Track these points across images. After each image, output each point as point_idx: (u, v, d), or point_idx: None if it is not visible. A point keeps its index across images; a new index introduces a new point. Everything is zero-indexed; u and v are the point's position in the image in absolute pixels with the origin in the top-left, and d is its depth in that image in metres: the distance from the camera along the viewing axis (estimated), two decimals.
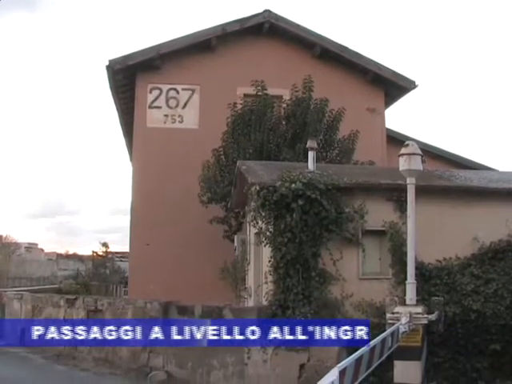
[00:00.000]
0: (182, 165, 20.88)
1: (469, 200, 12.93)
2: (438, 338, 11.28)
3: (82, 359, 14.29)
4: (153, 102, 22.66)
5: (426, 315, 10.28)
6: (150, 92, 22.63)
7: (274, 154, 17.28)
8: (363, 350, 6.92)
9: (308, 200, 11.65)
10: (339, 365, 5.69)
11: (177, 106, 22.68)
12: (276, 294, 11.80)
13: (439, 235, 12.45)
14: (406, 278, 10.81)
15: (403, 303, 10.59)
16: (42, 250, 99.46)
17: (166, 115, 22.68)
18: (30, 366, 14.12)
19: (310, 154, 13.31)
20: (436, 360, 11.45)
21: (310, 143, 13.49)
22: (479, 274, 12.11)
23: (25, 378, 12.64)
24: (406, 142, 10.95)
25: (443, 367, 11.55)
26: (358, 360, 6.58)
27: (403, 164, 10.58)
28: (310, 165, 13.11)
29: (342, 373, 5.64)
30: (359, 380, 6.62)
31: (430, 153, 20.96)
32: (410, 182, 10.70)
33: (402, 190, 11.26)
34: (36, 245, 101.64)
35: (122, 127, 27.30)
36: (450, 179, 14.05)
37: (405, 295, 10.78)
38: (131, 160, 26.68)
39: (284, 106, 18.96)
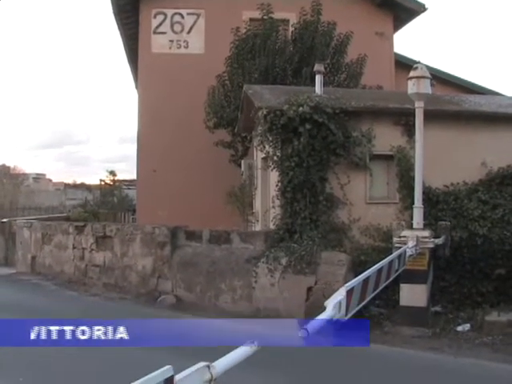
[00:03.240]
0: (187, 91, 20.66)
1: (478, 125, 12.78)
2: (443, 263, 11.32)
3: (92, 285, 14.45)
4: (157, 27, 22.28)
5: (432, 239, 10.29)
6: (155, 17, 22.22)
7: (281, 78, 17.04)
8: (370, 271, 6.96)
9: (315, 124, 11.56)
10: (347, 284, 5.72)
11: (182, 31, 22.31)
12: (283, 218, 11.83)
13: (447, 160, 12.36)
14: (413, 203, 10.79)
15: (410, 227, 10.60)
16: (50, 181, 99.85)
17: (171, 40, 22.34)
18: (42, 292, 14.30)
19: (317, 78, 13.12)
20: (442, 284, 11.51)
21: (318, 67, 13.29)
22: (486, 200, 12.06)
23: (37, 304, 12.79)
24: (415, 65, 10.76)
25: (448, 291, 11.63)
26: (365, 281, 6.62)
27: (412, 87, 10.41)
28: (318, 89, 12.95)
29: (350, 292, 5.67)
30: (366, 300, 6.68)
31: (440, 78, 20.64)
32: (419, 106, 10.55)
33: (411, 114, 11.10)
34: (44, 175, 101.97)
35: (127, 54, 26.89)
36: (459, 104, 13.87)
37: (412, 219, 10.78)
38: (137, 87, 26.48)
39: (291, 29, 18.61)
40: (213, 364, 3.08)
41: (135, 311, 11.95)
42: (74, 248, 15.42)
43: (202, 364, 3.00)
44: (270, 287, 11.15)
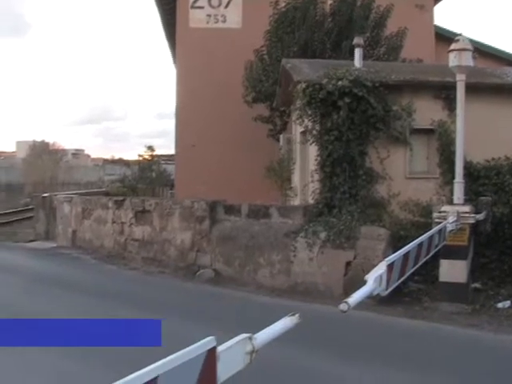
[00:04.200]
0: (225, 65, 20.64)
1: None
2: (484, 239, 11.15)
3: (132, 259, 14.58)
4: (195, 1, 22.27)
5: (473, 215, 10.14)
6: None
7: (319, 52, 16.92)
8: (411, 245, 6.89)
9: (355, 98, 11.46)
10: (387, 259, 5.66)
11: (219, 5, 22.26)
12: (322, 192, 11.79)
13: (489, 135, 12.14)
14: (453, 178, 10.64)
15: (450, 203, 10.47)
16: (89, 156, 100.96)
17: (209, 15, 22.30)
18: (83, 266, 14.48)
19: (357, 51, 13.00)
20: (482, 260, 11.35)
21: (357, 40, 13.17)
22: None
23: (78, 277, 12.97)
24: (457, 37, 10.53)
25: (489, 267, 11.46)
26: (406, 255, 6.55)
27: (453, 60, 10.21)
28: (357, 62, 12.83)
29: (390, 267, 5.62)
30: (406, 275, 6.62)
31: (481, 51, 20.23)
32: (460, 79, 10.36)
33: (452, 87, 10.93)
34: (82, 151, 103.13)
35: (165, 29, 26.90)
36: (501, 77, 13.59)
37: (452, 195, 10.64)
38: (174, 62, 26.49)
39: (330, 2, 18.41)
40: (254, 336, 3.08)
41: (174, 285, 12.06)
42: (113, 222, 15.55)
43: (244, 336, 3.01)
44: (309, 262, 11.14)
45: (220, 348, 2.76)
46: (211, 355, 2.69)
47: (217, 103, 20.80)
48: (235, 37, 21.15)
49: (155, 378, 2.31)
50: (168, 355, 2.45)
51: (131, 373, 2.25)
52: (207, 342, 2.67)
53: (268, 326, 3.31)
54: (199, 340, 2.65)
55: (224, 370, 2.80)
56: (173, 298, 10.92)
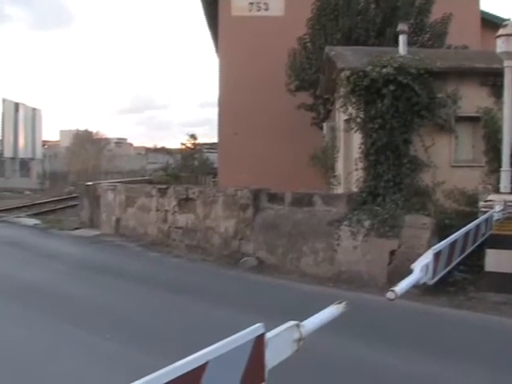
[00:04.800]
0: (267, 53, 20.61)
1: None
2: None
3: (175, 246, 14.67)
4: None
5: None
6: None
7: (363, 39, 16.80)
8: (457, 234, 6.81)
9: (399, 85, 11.35)
10: (434, 247, 5.60)
11: None
12: (366, 180, 11.72)
13: None
14: (500, 166, 10.48)
15: (497, 191, 10.32)
16: (132, 145, 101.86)
17: (251, 3, 22.28)
18: (127, 254, 14.62)
19: (401, 38, 12.86)
20: None
21: (401, 26, 13.03)
22: None
23: (122, 264, 13.11)
24: (505, 23, 10.35)
25: None
26: (452, 244, 6.48)
27: (501, 46, 10.03)
28: (401, 49, 12.70)
29: (437, 256, 5.56)
30: (452, 264, 6.55)
31: None
32: (508, 65, 10.17)
33: (499, 74, 10.74)
34: (125, 140, 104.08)
35: (207, 18, 26.96)
36: None
37: (498, 183, 10.49)
38: (217, 51, 26.53)
39: None
40: (302, 323, 3.08)
41: (218, 273, 12.12)
42: (157, 210, 15.65)
43: (291, 323, 3.01)
44: (353, 250, 11.09)
45: (268, 335, 2.77)
46: (260, 342, 2.70)
47: (259, 91, 20.79)
48: (278, 25, 21.10)
49: (205, 364, 2.33)
50: (215, 342, 2.47)
51: (179, 359, 2.27)
52: (256, 328, 2.68)
53: (312, 314, 3.31)
54: (244, 327, 2.66)
55: (272, 357, 2.81)
56: (217, 285, 10.98)
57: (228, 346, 2.49)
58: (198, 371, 2.30)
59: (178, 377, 2.16)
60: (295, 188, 13.43)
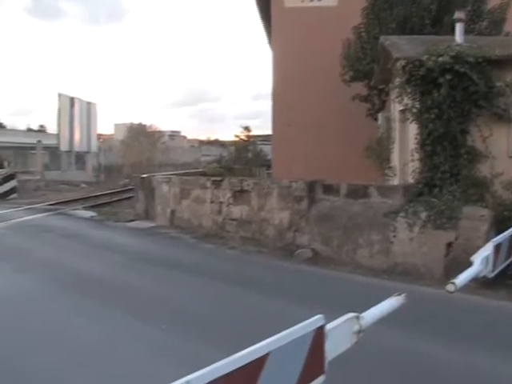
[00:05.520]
0: (321, 44, 20.49)
1: None
2: None
3: (230, 238, 14.72)
4: None
5: None
6: None
7: (418, 28, 16.55)
8: None
9: (456, 74, 11.13)
10: (494, 239, 5.49)
11: None
12: (422, 172, 11.55)
13: None
14: None
15: None
16: (185, 138, 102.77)
17: None
18: (181, 245, 14.74)
19: (458, 26, 12.62)
20: None
21: (458, 14, 12.78)
22: None
23: (177, 255, 13.23)
24: None
25: None
26: None
27: None
28: (458, 37, 12.46)
29: (497, 248, 5.44)
30: None
31: None
32: None
33: None
34: (179, 132, 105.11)
35: (260, 10, 26.92)
36: None
37: None
38: (270, 43, 26.49)
39: None
40: (361, 315, 3.06)
41: (272, 264, 12.13)
42: (211, 202, 15.72)
43: (351, 315, 3.00)
44: (409, 242, 10.96)
45: (328, 326, 2.76)
46: (320, 333, 2.69)
47: (313, 82, 20.70)
48: (331, 15, 20.97)
49: (266, 355, 2.33)
50: (271, 333, 2.46)
51: (235, 350, 2.27)
52: (316, 320, 2.67)
53: (368, 306, 3.28)
54: (300, 319, 2.65)
55: (332, 349, 2.80)
56: (272, 277, 11.00)
57: (288, 338, 2.49)
58: (259, 362, 2.29)
59: (239, 367, 2.17)
60: (350, 179, 13.35)
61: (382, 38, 14.06)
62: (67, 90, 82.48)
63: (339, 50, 18.36)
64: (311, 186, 12.79)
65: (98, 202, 26.01)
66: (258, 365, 2.28)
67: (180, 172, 26.87)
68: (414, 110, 11.69)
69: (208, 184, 15.98)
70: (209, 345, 6.59)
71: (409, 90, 11.67)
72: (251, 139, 38.84)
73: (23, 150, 53.77)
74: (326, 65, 19.56)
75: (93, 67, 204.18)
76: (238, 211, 14.65)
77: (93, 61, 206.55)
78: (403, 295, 3.46)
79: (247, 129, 38.50)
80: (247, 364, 2.22)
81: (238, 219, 14.62)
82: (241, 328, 7.38)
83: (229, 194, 15.01)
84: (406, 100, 11.90)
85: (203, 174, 23.93)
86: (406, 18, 16.61)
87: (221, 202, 15.29)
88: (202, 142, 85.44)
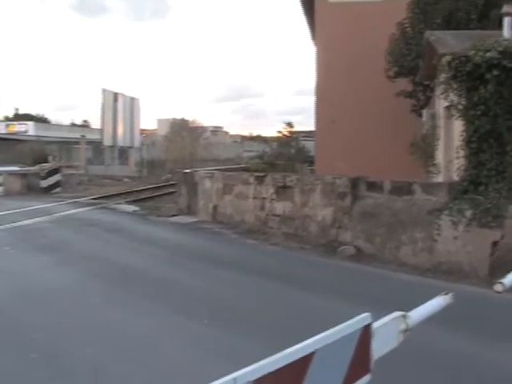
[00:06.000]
0: (365, 40, 20.35)
1: None
2: None
3: (272, 234, 14.71)
4: None
5: None
6: None
7: (464, 23, 16.31)
8: None
9: (504, 70, 10.92)
10: None
11: None
12: (468, 169, 11.38)
13: None
14: None
15: None
16: (227, 133, 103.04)
17: None
18: (223, 240, 14.79)
19: (506, 21, 12.44)
20: None
21: (506, 8, 12.60)
22: None
23: (220, 251, 13.28)
24: None
25: None
26: None
27: None
28: (506, 32, 12.28)
29: None
30: None
31: None
32: None
33: None
34: (221, 128, 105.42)
35: (303, 5, 26.80)
36: None
37: None
38: (313, 39, 26.39)
39: None
40: (408, 314, 3.03)
41: (315, 261, 12.09)
42: (254, 198, 15.73)
43: (398, 313, 2.96)
44: (453, 240, 10.82)
45: (375, 325, 2.73)
46: (367, 332, 2.66)
47: (357, 79, 20.58)
48: (375, 10, 20.80)
49: (312, 353, 2.31)
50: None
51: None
52: (363, 318, 2.64)
53: (414, 304, 3.24)
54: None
55: (378, 348, 2.77)
56: (315, 273, 10.97)
57: (335, 336, 2.47)
58: (306, 360, 2.28)
59: (287, 365, 2.15)
60: (393, 176, 13.23)
61: (427, 34, 13.91)
62: (111, 86, 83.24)
63: (383, 46, 18.19)
64: (355, 183, 12.72)
65: (141, 197, 26.26)
66: (304, 363, 2.27)
67: (222, 167, 26.95)
68: (460, 107, 11.52)
69: (251, 180, 15.99)
70: (250, 340, 6.63)
71: (454, 86, 11.50)
72: (294, 135, 38.72)
73: (67, 145, 54.42)
74: (369, 60, 19.41)
75: (136, 63, 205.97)
76: (280, 207, 14.63)
77: (136, 56, 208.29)
78: (450, 294, 3.42)
79: (290, 125, 38.38)
80: (294, 362, 2.21)
81: (281, 215, 14.60)
82: (283, 324, 7.38)
83: (272, 190, 14.99)
84: (451, 96, 11.73)
85: (246, 170, 23.94)
86: (452, 13, 16.38)
87: (263, 198, 15.29)
88: (244, 138, 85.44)
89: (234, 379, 1.95)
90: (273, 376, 2.08)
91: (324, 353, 2.37)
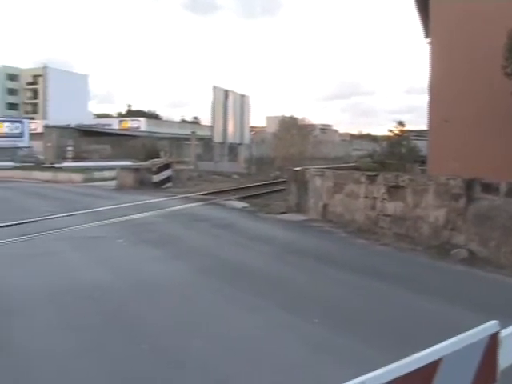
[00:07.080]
0: (482, 36, 19.69)
1: None
2: None
3: (383, 234, 14.52)
4: None
5: None
6: None
7: None
8: None
9: None
10: None
11: None
12: None
13: None
14: None
15: None
16: (336, 131, 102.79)
17: None
18: (333, 239, 14.71)
19: None
20: None
21: None
22: None
23: (330, 250, 13.24)
24: None
25: None
26: None
27: None
28: None
29: None
30: None
31: None
32: None
33: None
34: (330, 126, 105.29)
35: (417, 2, 26.25)
36: None
37: None
38: (426, 35, 25.82)
39: None
40: None
41: (427, 263, 11.84)
42: (365, 197, 15.57)
43: None
44: None
45: (503, 333, 2.63)
46: (493, 340, 2.58)
47: (474, 77, 19.95)
48: (494, 4, 20.10)
49: (439, 360, 2.26)
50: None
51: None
52: (490, 326, 2.56)
53: None
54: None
55: (505, 357, 2.67)
56: (427, 276, 10.73)
57: (462, 343, 2.40)
58: (432, 367, 2.23)
59: (415, 370, 2.11)
60: (510, 178, 12.78)
61: None
62: (221, 83, 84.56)
63: (500, 42, 17.59)
64: (469, 184, 12.35)
65: (250, 194, 26.51)
66: (431, 369, 2.22)
67: (333, 166, 26.84)
68: None
69: (362, 179, 15.85)
70: (361, 341, 6.58)
71: None
72: (405, 134, 38.12)
73: (178, 141, 55.73)
74: (489, 58, 18.79)
75: (246, 60, 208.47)
76: (392, 207, 14.42)
77: (247, 54, 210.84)
78: None
79: (401, 123, 37.80)
80: (421, 368, 2.16)
81: (392, 215, 14.38)
82: (395, 327, 7.28)
83: (383, 190, 14.79)
84: None
85: (355, 169, 23.76)
86: None
87: (375, 198, 15.11)
88: (353, 136, 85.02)
89: (362, 382, 1.92)
90: (401, 380, 2.04)
91: (451, 360, 2.31)
